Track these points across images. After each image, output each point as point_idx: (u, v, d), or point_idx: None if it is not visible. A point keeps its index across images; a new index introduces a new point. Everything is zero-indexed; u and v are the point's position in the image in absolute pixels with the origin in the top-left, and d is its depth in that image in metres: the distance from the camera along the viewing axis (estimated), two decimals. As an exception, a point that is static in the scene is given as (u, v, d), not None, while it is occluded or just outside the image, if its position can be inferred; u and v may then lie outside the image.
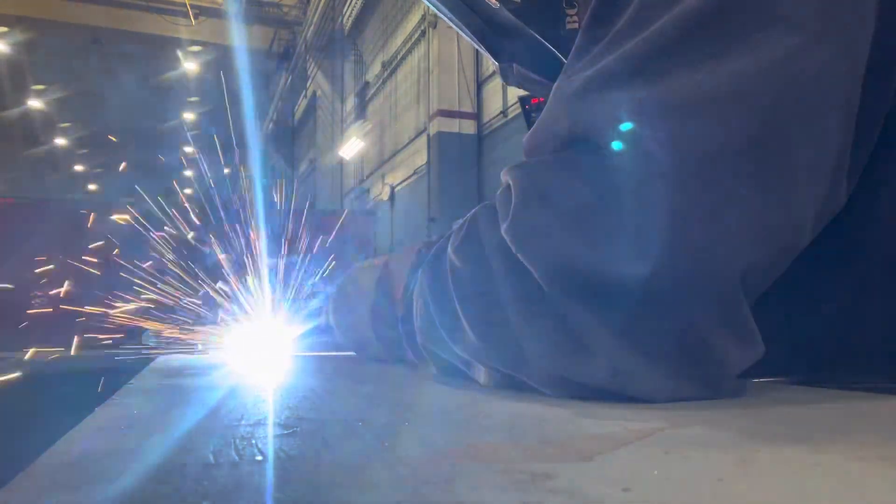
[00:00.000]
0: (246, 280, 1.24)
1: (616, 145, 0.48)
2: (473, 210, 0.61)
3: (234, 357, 1.19)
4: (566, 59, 0.58)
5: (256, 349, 1.20)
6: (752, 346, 0.49)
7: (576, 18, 0.77)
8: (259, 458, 0.35)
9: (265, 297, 1.21)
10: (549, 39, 0.81)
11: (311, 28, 16.37)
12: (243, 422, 0.46)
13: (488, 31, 0.86)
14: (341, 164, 15.90)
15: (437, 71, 10.90)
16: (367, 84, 14.95)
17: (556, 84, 0.56)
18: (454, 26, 0.88)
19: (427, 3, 0.89)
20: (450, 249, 0.60)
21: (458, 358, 0.62)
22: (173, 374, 0.88)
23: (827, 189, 0.50)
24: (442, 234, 0.71)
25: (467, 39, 0.89)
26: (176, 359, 1.17)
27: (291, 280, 1.24)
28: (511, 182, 0.53)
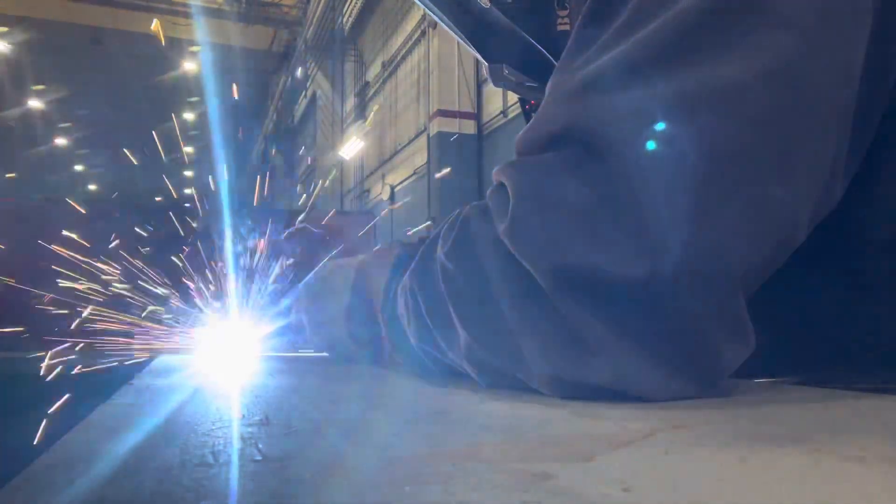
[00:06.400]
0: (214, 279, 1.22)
1: (616, 144, 0.48)
2: (459, 211, 0.60)
3: (225, 357, 1.19)
4: (556, 60, 0.58)
5: (231, 349, 1.19)
6: (745, 342, 0.49)
7: (567, 20, 0.77)
8: (259, 458, 0.35)
9: (232, 296, 1.19)
10: (540, 41, 0.80)
11: (311, 28, 16.38)
12: (244, 421, 0.46)
13: (479, 31, 0.86)
14: (341, 164, 15.90)
15: (437, 71, 10.90)
16: (367, 84, 14.94)
17: (550, 83, 0.55)
18: (444, 25, 0.88)
19: (418, 1, 0.88)
20: (440, 252, 0.59)
21: (455, 360, 0.62)
22: (174, 374, 0.88)
23: (824, 186, 0.51)
24: (423, 236, 0.71)
25: (457, 39, 0.89)
26: (175, 359, 1.17)
27: (260, 280, 1.22)
28: (507, 182, 0.52)
